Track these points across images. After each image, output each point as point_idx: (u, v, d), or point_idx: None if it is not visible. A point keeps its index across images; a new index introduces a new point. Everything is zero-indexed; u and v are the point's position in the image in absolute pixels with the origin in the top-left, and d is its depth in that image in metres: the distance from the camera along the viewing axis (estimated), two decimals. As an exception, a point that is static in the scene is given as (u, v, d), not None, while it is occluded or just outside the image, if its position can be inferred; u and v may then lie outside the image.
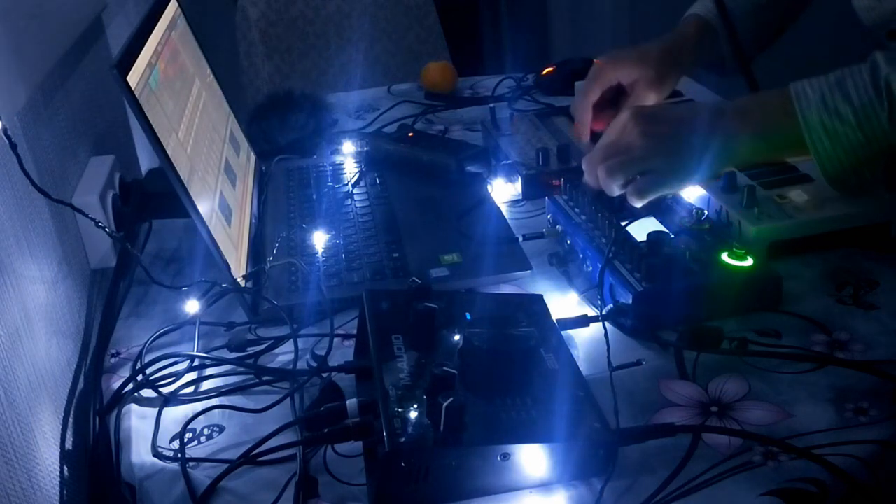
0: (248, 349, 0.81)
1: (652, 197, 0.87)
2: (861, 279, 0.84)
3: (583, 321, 0.79)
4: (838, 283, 0.84)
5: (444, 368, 0.61)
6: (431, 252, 0.93)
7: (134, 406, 0.76)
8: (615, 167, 0.86)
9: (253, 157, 1.17)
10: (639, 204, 0.87)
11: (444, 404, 0.58)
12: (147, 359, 0.80)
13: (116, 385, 0.79)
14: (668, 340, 0.77)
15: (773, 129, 0.85)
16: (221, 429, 0.73)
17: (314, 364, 0.76)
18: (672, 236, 0.84)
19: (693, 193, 0.95)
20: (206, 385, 0.78)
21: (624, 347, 0.77)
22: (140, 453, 0.71)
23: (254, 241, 0.98)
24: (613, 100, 1.10)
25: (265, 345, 0.81)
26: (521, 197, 1.07)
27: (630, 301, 0.77)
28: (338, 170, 1.17)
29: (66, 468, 0.76)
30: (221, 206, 0.91)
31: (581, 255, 0.88)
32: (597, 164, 0.88)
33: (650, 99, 1.07)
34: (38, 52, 0.86)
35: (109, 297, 0.92)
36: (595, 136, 1.07)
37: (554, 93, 1.39)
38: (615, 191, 0.88)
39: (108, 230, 0.84)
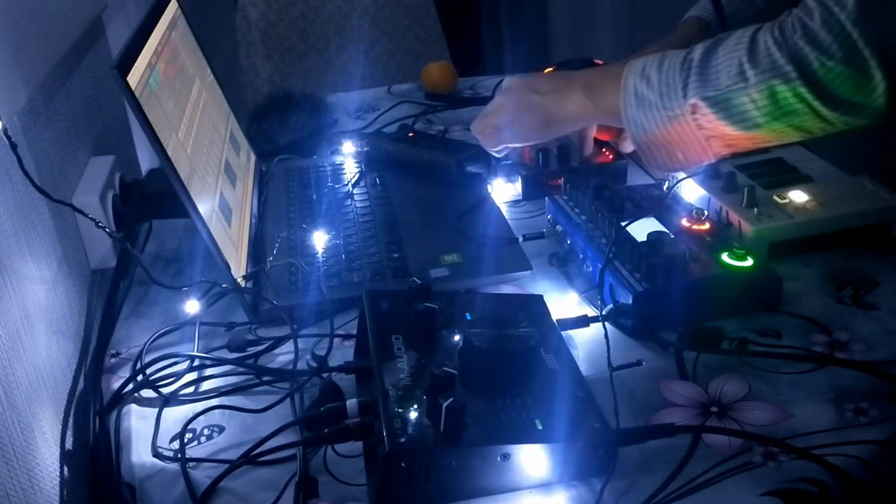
0: (248, 349, 0.81)
1: (498, 147, 1.00)
2: (861, 279, 0.84)
3: (583, 321, 0.79)
4: (838, 283, 0.84)
5: (444, 368, 0.61)
6: (431, 252, 0.93)
7: (134, 406, 0.76)
8: (480, 128, 1.01)
9: (253, 157, 1.17)
10: (493, 152, 1.02)
11: (444, 404, 0.58)
12: (147, 359, 0.80)
13: (116, 385, 0.79)
14: (668, 340, 0.77)
15: (602, 90, 0.88)
16: (221, 429, 0.73)
17: (314, 364, 0.76)
18: (672, 236, 0.84)
19: (693, 193, 0.95)
20: (206, 385, 0.78)
21: (624, 347, 0.77)
22: (140, 453, 0.71)
23: (254, 241, 0.98)
24: None
25: (265, 345, 0.81)
26: (521, 197, 1.07)
27: (630, 301, 0.77)
28: (338, 170, 1.17)
29: (66, 468, 0.76)
30: (221, 206, 0.91)
31: (581, 255, 0.88)
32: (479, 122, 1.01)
33: None
34: (38, 52, 0.86)
35: (109, 298, 0.92)
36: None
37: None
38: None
39: (108, 230, 0.84)
